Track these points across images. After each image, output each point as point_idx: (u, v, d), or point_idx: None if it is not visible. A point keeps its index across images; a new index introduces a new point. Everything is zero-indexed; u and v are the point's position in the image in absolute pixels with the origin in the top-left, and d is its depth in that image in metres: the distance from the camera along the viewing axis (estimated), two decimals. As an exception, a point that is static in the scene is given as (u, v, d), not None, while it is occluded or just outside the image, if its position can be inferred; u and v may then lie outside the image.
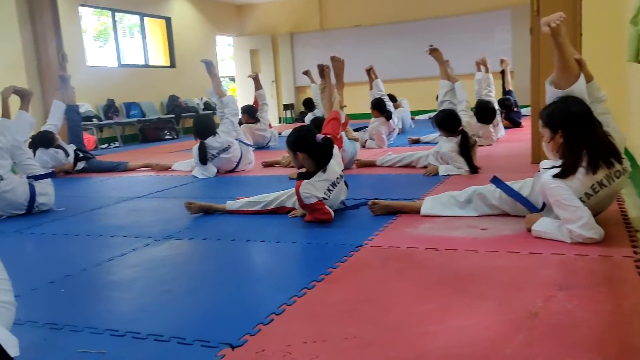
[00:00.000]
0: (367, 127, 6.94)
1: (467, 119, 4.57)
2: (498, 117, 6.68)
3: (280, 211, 3.32)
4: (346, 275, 2.19)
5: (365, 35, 12.92)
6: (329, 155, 3.06)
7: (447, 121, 4.38)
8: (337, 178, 3.10)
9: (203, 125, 5.33)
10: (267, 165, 5.63)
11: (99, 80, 9.73)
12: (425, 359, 1.45)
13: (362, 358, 1.47)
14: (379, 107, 6.70)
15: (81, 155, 6.10)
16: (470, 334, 1.58)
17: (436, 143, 4.85)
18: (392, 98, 8.24)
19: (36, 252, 2.99)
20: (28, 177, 3.85)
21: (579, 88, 2.43)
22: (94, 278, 2.43)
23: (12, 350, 1.42)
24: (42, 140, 5.63)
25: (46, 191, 3.93)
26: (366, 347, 1.54)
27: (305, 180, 2.98)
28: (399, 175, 4.57)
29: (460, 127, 4.33)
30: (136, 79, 10.71)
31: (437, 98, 5.07)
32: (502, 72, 8.51)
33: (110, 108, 9.88)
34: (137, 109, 10.45)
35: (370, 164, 5.09)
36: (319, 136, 3.03)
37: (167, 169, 5.85)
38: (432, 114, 10.76)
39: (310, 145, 3.02)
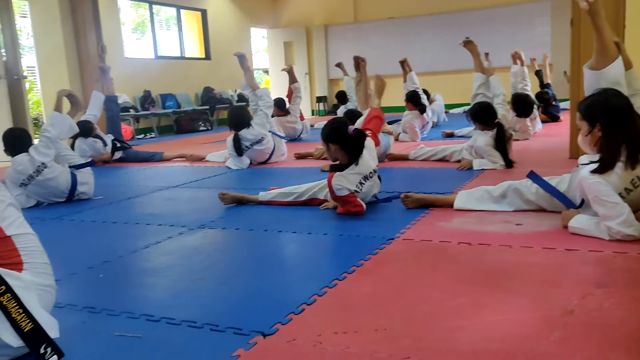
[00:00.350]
0: (400, 120, 6.88)
1: (503, 112, 4.49)
2: (535, 111, 6.54)
3: (312, 203, 3.33)
4: (377, 267, 2.19)
5: (399, 27, 12.80)
6: (360, 148, 3.05)
7: (482, 113, 4.31)
8: (370, 172, 3.09)
9: (238, 117, 5.38)
10: (300, 157, 5.65)
11: (136, 72, 9.91)
12: (457, 353, 1.44)
13: (393, 350, 1.47)
14: (414, 100, 6.64)
15: (119, 145, 6.24)
16: (502, 329, 1.56)
17: (470, 137, 4.79)
18: (425, 93, 8.16)
19: (76, 238, 3.08)
20: (70, 166, 3.97)
21: (615, 70, 2.38)
22: (131, 264, 2.49)
23: (52, 332, 1.48)
24: (81, 130, 5.76)
25: (87, 180, 4.04)
26: (397, 339, 1.54)
27: (337, 173, 2.98)
28: (432, 169, 4.53)
29: (496, 120, 4.26)
30: (172, 70, 10.87)
31: (474, 91, 5.00)
32: (537, 73, 8.25)
33: (146, 99, 10.05)
34: (173, 100, 10.61)
35: (403, 158, 5.06)
36: (351, 128, 3.02)
37: (201, 159, 5.93)
38: (467, 108, 10.65)
39: (342, 137, 3.02)
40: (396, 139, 6.31)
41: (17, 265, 1.50)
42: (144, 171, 5.52)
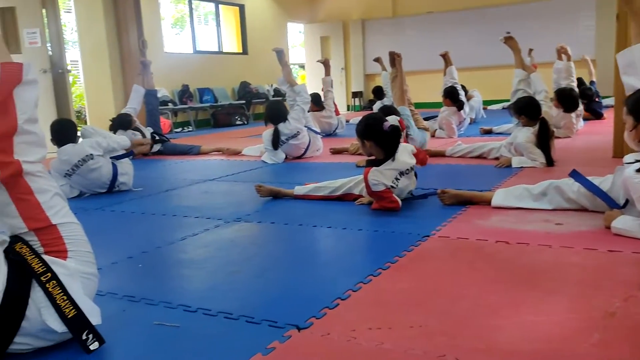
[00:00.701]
0: (437, 116, 6.80)
1: (546, 109, 4.39)
2: (580, 107, 6.34)
3: (347, 198, 3.33)
4: (413, 264, 2.17)
5: (438, 22, 12.63)
6: (395, 144, 3.03)
7: (528, 107, 4.19)
8: (407, 169, 3.07)
9: (276, 111, 5.41)
10: (335, 152, 5.65)
11: (175, 66, 10.06)
12: (494, 352, 1.42)
13: (428, 347, 1.46)
14: (451, 96, 6.55)
15: (157, 137, 6.36)
16: (541, 330, 1.53)
17: (509, 134, 4.70)
18: (463, 89, 8.05)
19: (116, 228, 3.15)
20: (110, 157, 4.07)
21: None
22: (168, 255, 2.54)
23: (95, 319, 1.52)
24: (121, 122, 5.89)
25: (126, 171, 4.14)
26: (432, 336, 1.52)
27: (373, 168, 2.97)
28: (468, 166, 4.46)
29: (541, 116, 4.16)
30: (210, 65, 11.00)
31: (515, 86, 4.91)
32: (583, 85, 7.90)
33: (184, 93, 10.21)
34: (210, 95, 10.74)
35: (440, 154, 5.00)
36: (387, 124, 3.00)
37: (237, 153, 6.00)
38: (506, 104, 10.45)
39: (377, 133, 3.00)
40: (432, 136, 6.24)
41: (62, 253, 1.55)
42: (182, 164, 5.61)
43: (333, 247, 2.61)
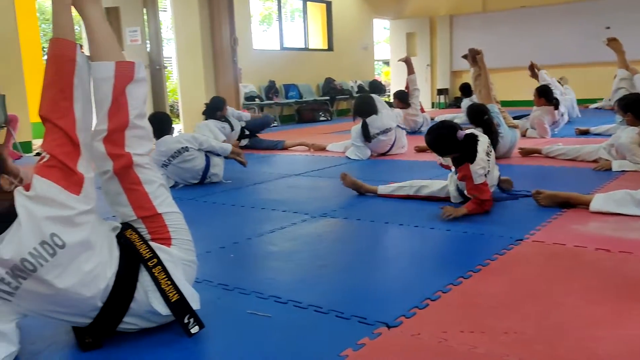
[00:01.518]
0: (528, 115, 6.53)
1: (651, 109, 4.09)
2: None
3: (432, 199, 3.26)
4: (505, 268, 2.11)
5: (532, 17, 12.09)
6: (475, 149, 2.89)
7: (637, 104, 3.92)
8: (488, 146, 2.97)
9: (365, 105, 5.39)
10: (420, 150, 5.57)
11: (262, 63, 10.31)
12: (595, 366, 1.36)
13: (525, 355, 1.42)
14: (545, 95, 6.25)
15: (246, 132, 6.55)
16: (648, 345, 1.45)
17: (608, 135, 4.43)
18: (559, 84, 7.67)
19: (208, 218, 3.28)
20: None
21: None
22: (258, 247, 2.62)
23: (195, 304, 1.60)
24: (214, 105, 6.03)
25: (217, 162, 4.30)
26: (529, 344, 1.48)
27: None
28: (563, 168, 4.25)
29: None
30: (296, 61, 11.17)
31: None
32: None
33: (271, 89, 10.44)
34: (295, 91, 10.92)
35: (535, 152, 4.80)
36: (460, 133, 2.86)
37: (322, 149, 6.06)
38: (599, 103, 9.85)
39: (456, 145, 2.88)
40: (523, 135, 5.99)
41: (166, 241, 1.64)
42: (268, 158, 5.76)
43: (420, 246, 2.58)
